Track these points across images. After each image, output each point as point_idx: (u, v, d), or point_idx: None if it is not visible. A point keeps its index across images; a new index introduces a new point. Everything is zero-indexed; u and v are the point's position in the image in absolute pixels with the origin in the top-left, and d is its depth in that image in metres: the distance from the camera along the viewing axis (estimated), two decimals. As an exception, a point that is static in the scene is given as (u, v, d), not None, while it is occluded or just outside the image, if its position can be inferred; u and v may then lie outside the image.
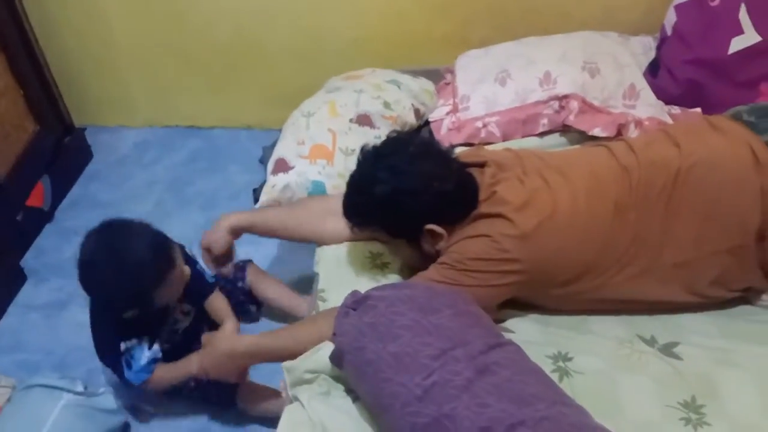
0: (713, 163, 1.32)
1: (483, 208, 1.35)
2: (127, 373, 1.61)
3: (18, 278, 2.13)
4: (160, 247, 1.52)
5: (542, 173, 1.38)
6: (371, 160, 1.39)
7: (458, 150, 1.79)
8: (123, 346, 1.59)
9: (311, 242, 1.67)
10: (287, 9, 2.28)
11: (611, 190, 1.33)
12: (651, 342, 1.31)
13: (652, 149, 1.38)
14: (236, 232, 1.66)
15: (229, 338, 1.53)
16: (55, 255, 2.21)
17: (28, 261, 2.21)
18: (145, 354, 1.60)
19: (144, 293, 1.50)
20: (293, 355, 1.35)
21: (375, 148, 1.41)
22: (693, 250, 1.30)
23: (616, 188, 1.33)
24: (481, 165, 1.43)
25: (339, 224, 1.55)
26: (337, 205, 1.49)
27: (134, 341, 1.60)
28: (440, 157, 1.39)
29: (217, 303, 1.71)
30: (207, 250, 1.65)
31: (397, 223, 1.39)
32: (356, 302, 1.22)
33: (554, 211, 1.31)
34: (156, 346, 1.62)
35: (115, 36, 2.46)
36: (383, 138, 1.86)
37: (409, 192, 1.32)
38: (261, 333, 1.51)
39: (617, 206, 1.31)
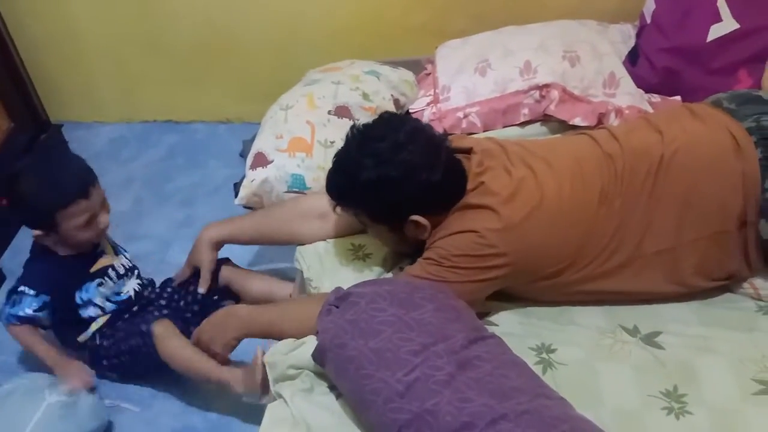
0: (693, 148, 1.31)
1: (470, 199, 1.33)
2: (4, 307, 1.66)
3: (-5, 279, 2.10)
4: (84, 176, 1.59)
5: (527, 161, 1.36)
6: (359, 141, 1.35)
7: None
8: (20, 287, 1.64)
9: (291, 245, 1.66)
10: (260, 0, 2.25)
11: (596, 178, 1.32)
12: (633, 332, 1.31)
13: (634, 136, 1.38)
14: (218, 246, 1.71)
15: (233, 305, 1.58)
16: (32, 255, 2.18)
17: (5, 261, 2.17)
18: (27, 307, 1.63)
19: (51, 207, 1.54)
20: (279, 334, 1.37)
21: (365, 127, 1.37)
22: (674, 238, 1.30)
23: (601, 176, 1.32)
24: (468, 151, 1.40)
25: (314, 225, 1.56)
26: (315, 206, 1.46)
27: (31, 291, 1.63)
28: (429, 145, 1.33)
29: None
30: (193, 268, 1.73)
31: (380, 210, 1.37)
32: (338, 299, 1.21)
33: (541, 200, 1.29)
34: (40, 313, 1.64)
35: (86, 30, 2.42)
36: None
37: (393, 181, 1.29)
38: (254, 305, 1.50)
39: (603, 194, 1.31)
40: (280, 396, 1.29)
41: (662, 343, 1.29)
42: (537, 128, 1.81)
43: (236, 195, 1.85)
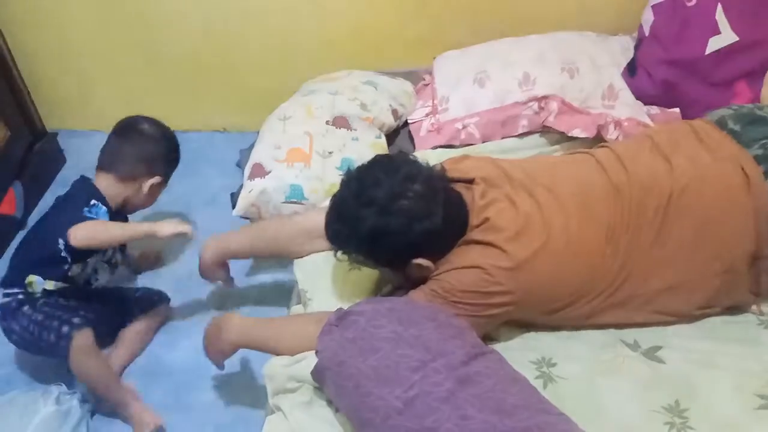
0: (703, 186, 1.28)
1: (475, 235, 1.29)
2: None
3: (-11, 288, 2.08)
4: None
5: (531, 191, 1.32)
6: (355, 190, 1.29)
7: (440, 152, 1.79)
8: (92, 201, 1.71)
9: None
10: (257, 10, 2.24)
11: (603, 212, 1.29)
12: (634, 346, 1.30)
13: (641, 163, 1.33)
14: (220, 261, 1.68)
15: (230, 314, 1.47)
16: (27, 264, 2.16)
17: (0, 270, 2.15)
18: (103, 217, 1.70)
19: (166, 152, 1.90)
20: (273, 351, 1.35)
21: (359, 173, 1.32)
22: (682, 275, 1.28)
23: (608, 210, 1.29)
24: (469, 181, 1.37)
25: (317, 244, 1.54)
26: (318, 225, 1.44)
27: (103, 207, 1.71)
28: (428, 190, 1.27)
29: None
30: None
31: (382, 256, 1.33)
32: (339, 319, 1.20)
33: (548, 239, 1.26)
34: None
35: (83, 40, 2.42)
36: (360, 140, 1.85)
37: (394, 232, 1.25)
38: (254, 318, 1.46)
39: (610, 231, 1.27)
40: (279, 409, 1.28)
41: (663, 358, 1.28)
42: (536, 140, 1.81)
43: (234, 205, 1.84)
